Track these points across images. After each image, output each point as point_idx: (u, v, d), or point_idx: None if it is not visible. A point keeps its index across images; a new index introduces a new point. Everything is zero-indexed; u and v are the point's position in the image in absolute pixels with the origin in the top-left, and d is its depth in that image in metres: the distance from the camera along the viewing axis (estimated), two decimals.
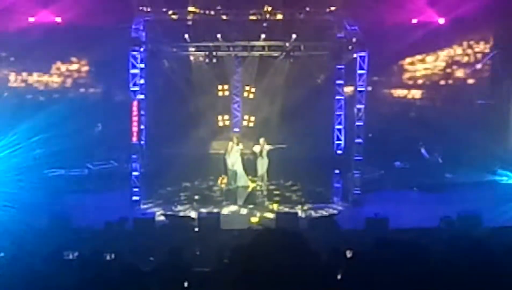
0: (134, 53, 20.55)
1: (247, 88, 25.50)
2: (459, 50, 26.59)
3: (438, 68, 26.72)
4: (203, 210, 19.62)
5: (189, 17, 22.29)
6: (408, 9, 24.14)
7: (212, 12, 22.24)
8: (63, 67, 26.28)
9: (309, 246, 3.70)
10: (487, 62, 26.24)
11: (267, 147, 22.17)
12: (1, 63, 25.48)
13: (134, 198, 20.67)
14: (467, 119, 24.47)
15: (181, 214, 19.78)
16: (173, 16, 22.21)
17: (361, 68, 20.66)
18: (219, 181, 22.90)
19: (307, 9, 22.28)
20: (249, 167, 22.57)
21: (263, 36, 21.82)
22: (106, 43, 22.18)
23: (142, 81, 21.48)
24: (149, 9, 22.20)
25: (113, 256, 11.25)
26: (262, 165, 22.24)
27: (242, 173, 22.29)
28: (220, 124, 25.75)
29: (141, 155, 21.12)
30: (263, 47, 22.03)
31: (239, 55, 23.39)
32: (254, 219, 19.28)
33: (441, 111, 25.44)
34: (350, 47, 21.12)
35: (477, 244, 4.87)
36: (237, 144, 22.27)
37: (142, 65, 21.31)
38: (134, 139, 20.73)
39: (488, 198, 19.92)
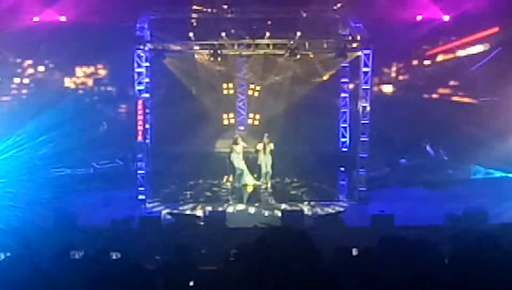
0: (139, 52, 20.56)
1: (252, 86, 25.52)
2: (463, 47, 26.52)
3: (442, 65, 26.66)
4: (208, 208, 19.64)
5: (194, 15, 22.31)
6: (413, 6, 24.10)
7: (217, 10, 22.25)
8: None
9: (315, 244, 3.70)
10: (492, 59, 26.15)
11: (271, 145, 22.14)
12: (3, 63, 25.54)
13: (140, 197, 20.69)
14: (472, 116, 24.41)
15: (187, 212, 19.80)
16: (178, 15, 22.22)
17: (365, 65, 20.64)
18: (224, 180, 22.89)
19: (312, 6, 22.27)
20: (254, 165, 22.55)
21: (267, 34, 21.81)
22: (110, 42, 22.21)
23: (147, 80, 21.48)
24: (153, 8, 22.21)
25: (119, 255, 11.24)
26: (266, 162, 22.20)
27: (247, 171, 22.26)
28: (225, 122, 25.75)
29: (146, 154, 21.14)
30: (267, 45, 21.98)
31: (243, 53, 23.34)
32: (259, 217, 19.27)
33: (446, 108, 25.39)
34: (354, 45, 21.12)
35: (483, 240, 4.87)
36: (242, 142, 22.25)
37: (147, 64, 21.32)
38: (140, 138, 20.74)
39: (493, 194, 19.90)
